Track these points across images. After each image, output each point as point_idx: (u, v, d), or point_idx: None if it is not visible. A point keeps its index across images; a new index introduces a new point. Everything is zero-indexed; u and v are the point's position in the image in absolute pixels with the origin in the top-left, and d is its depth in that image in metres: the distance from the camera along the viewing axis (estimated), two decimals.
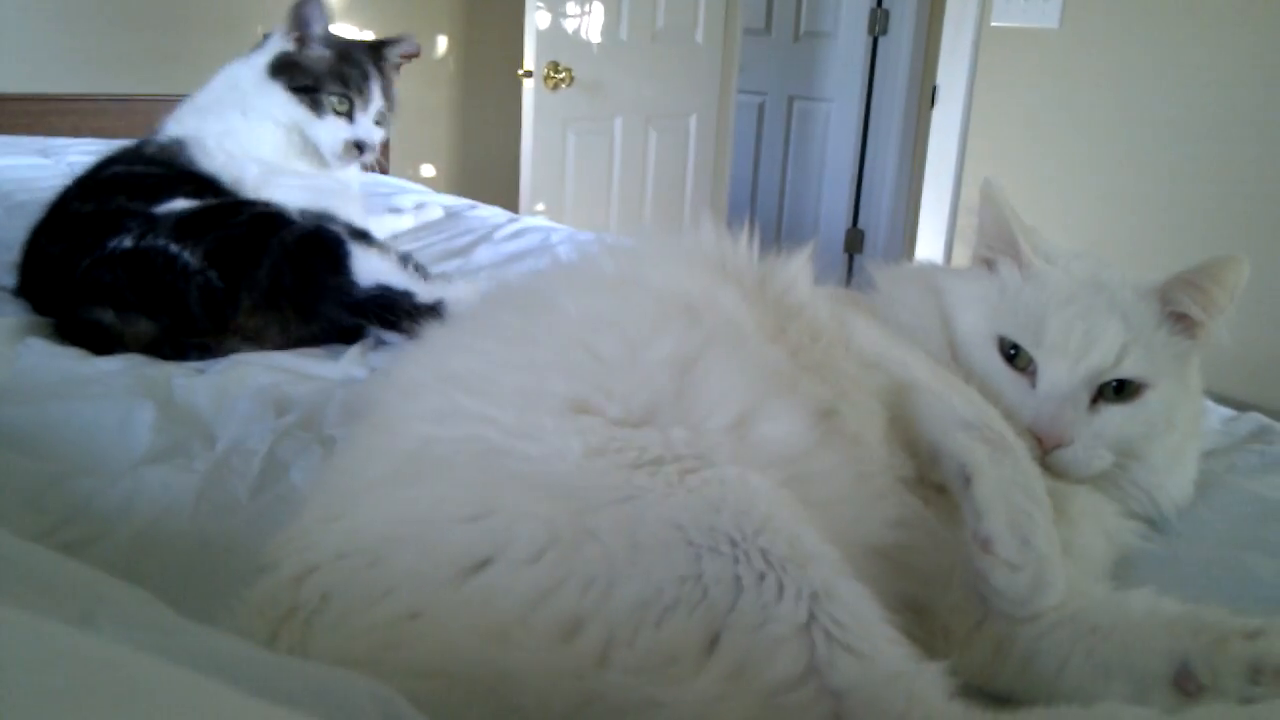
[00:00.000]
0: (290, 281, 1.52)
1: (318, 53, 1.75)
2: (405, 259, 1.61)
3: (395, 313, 1.51)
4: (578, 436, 0.79)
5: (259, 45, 1.81)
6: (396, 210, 2.44)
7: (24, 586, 0.67)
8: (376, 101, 1.80)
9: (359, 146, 1.79)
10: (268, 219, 1.59)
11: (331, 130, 1.76)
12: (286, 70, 1.75)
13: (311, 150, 1.80)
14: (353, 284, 1.53)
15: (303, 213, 1.64)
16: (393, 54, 1.89)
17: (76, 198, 1.62)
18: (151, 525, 1.03)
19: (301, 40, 1.75)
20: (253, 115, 1.76)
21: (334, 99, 1.75)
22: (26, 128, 3.02)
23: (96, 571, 0.78)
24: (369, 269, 1.54)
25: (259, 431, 1.21)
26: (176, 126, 1.78)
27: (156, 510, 1.05)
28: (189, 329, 1.47)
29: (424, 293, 1.55)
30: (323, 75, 1.74)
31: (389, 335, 1.53)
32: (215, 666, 0.53)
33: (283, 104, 1.75)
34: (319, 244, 1.56)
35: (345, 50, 1.79)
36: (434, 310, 1.49)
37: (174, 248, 1.48)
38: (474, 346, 0.92)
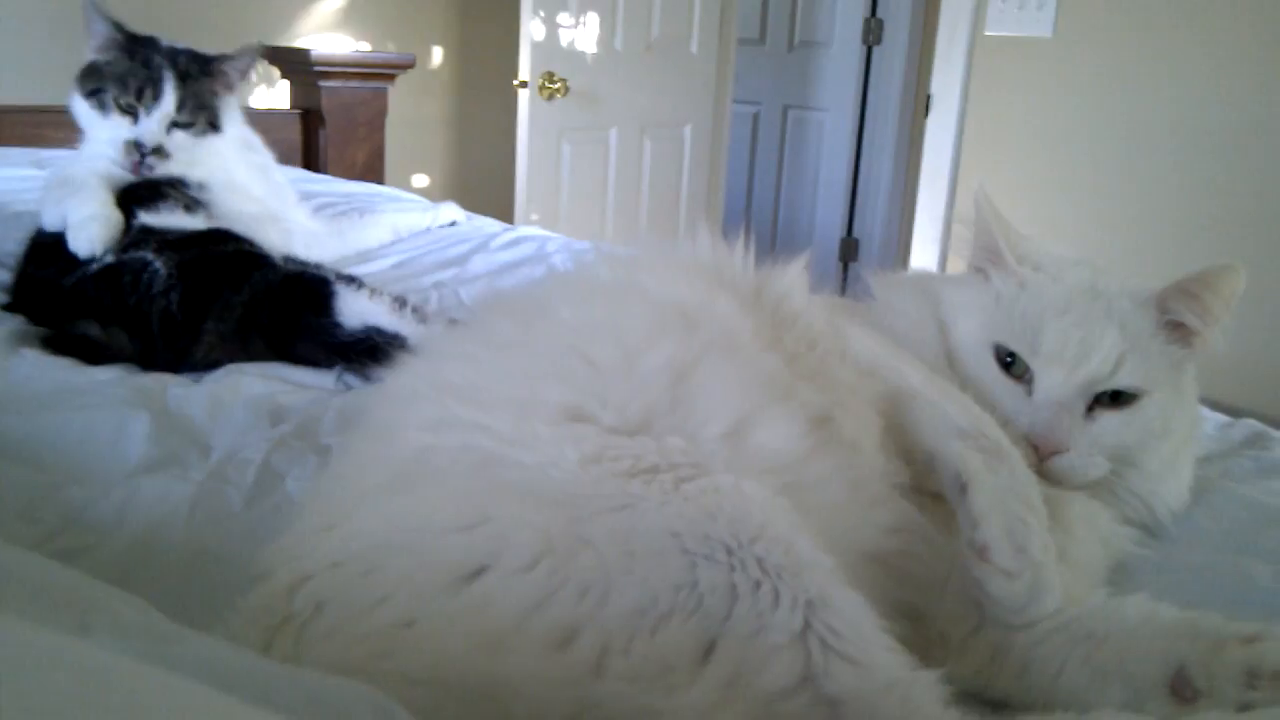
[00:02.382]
0: (267, 319, 1.49)
1: (111, 56, 1.71)
2: (401, 302, 1.56)
3: (382, 355, 1.41)
4: (572, 445, 0.79)
5: None
6: (394, 211, 2.43)
7: (20, 594, 0.67)
8: (166, 104, 1.72)
9: (137, 146, 1.70)
10: (252, 256, 1.57)
11: (112, 129, 1.70)
12: (86, 76, 1.71)
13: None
14: (336, 325, 1.48)
15: (286, 259, 1.62)
16: (229, 67, 1.82)
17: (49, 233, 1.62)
18: (146, 535, 1.02)
19: (97, 48, 1.71)
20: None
21: (114, 96, 1.69)
22: (21, 139, 3.01)
23: (93, 579, 0.78)
24: (356, 310, 1.50)
25: (254, 441, 1.21)
26: None
27: (151, 520, 1.05)
28: (153, 352, 1.45)
29: (416, 336, 1.47)
30: (108, 76, 1.69)
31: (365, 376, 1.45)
32: (213, 675, 0.53)
33: (78, 108, 1.71)
34: (303, 284, 1.53)
35: (140, 53, 1.73)
36: None
37: (149, 255, 1.48)
38: (470, 355, 0.92)
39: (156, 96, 1.70)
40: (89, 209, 1.55)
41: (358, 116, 3.45)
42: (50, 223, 1.58)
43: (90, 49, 1.71)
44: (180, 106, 1.73)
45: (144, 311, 1.45)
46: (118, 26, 1.71)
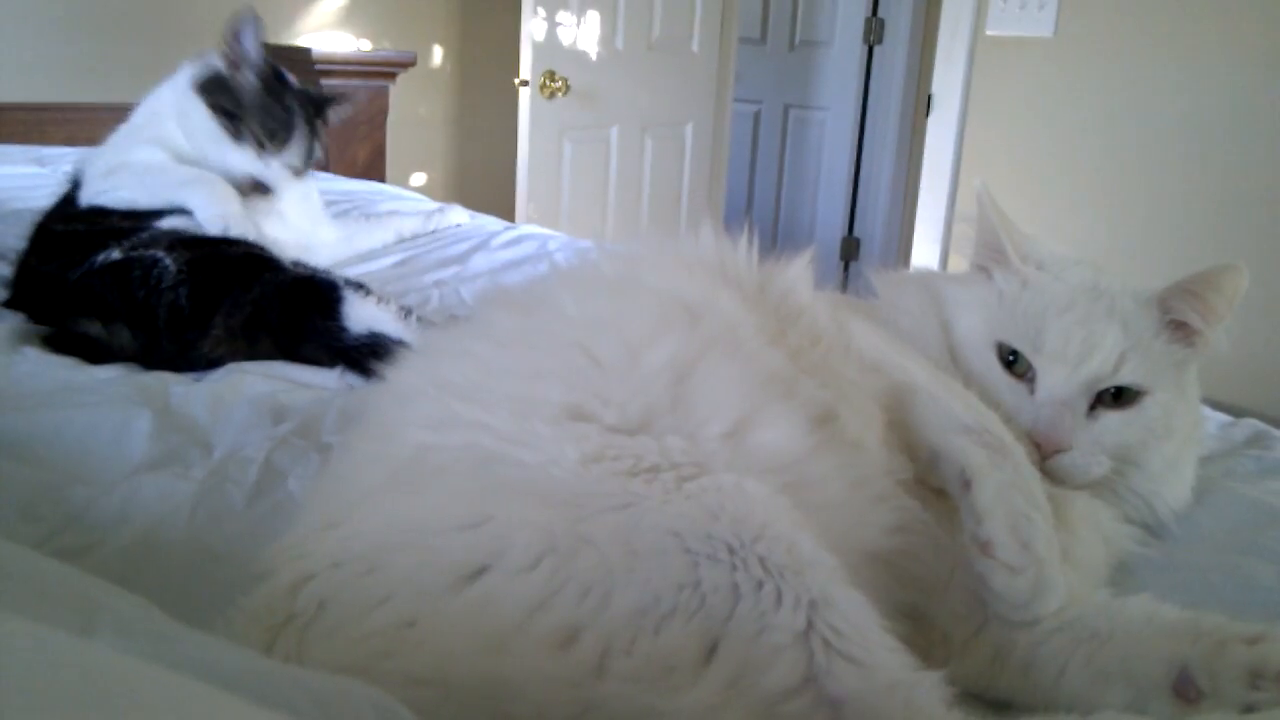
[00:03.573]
0: (276, 319, 1.50)
1: (249, 81, 1.73)
2: (406, 310, 1.57)
3: (386, 360, 1.46)
4: (573, 444, 0.78)
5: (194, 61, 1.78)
6: (397, 213, 2.44)
7: (22, 593, 0.67)
8: (295, 151, 1.79)
9: (261, 187, 1.77)
10: (262, 259, 1.59)
11: (241, 162, 1.73)
12: (213, 89, 1.72)
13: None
14: (342, 329, 1.50)
15: (296, 263, 1.64)
16: (332, 115, 1.90)
17: (60, 220, 1.63)
18: (147, 533, 1.02)
19: (234, 63, 1.72)
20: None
21: (254, 132, 1.72)
22: (22, 136, 3.02)
23: (95, 578, 0.78)
24: (363, 316, 1.52)
25: (256, 439, 1.21)
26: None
27: (152, 519, 1.05)
28: (157, 347, 1.46)
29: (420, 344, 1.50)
30: (249, 105, 1.72)
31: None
32: (216, 674, 0.53)
33: (201, 120, 1.72)
34: (313, 288, 1.55)
35: (279, 90, 1.76)
36: None
37: (159, 253, 1.49)
38: (471, 352, 0.92)
39: (286, 143, 1.77)
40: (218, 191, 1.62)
41: (359, 115, 3.45)
42: (131, 200, 1.64)
43: (222, 58, 1.72)
44: (307, 157, 1.82)
45: (151, 305, 1.45)
46: (268, 59, 1.75)
